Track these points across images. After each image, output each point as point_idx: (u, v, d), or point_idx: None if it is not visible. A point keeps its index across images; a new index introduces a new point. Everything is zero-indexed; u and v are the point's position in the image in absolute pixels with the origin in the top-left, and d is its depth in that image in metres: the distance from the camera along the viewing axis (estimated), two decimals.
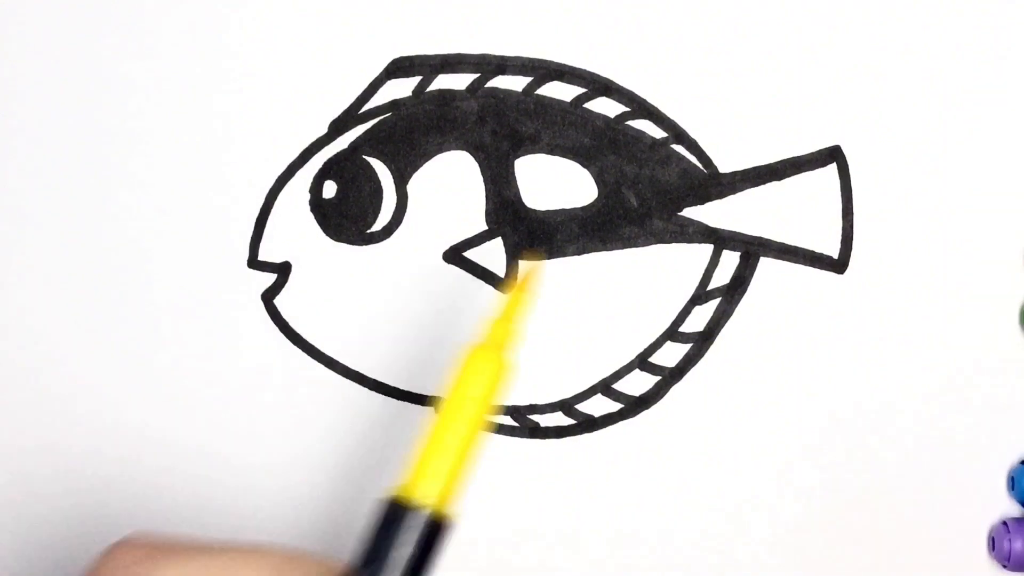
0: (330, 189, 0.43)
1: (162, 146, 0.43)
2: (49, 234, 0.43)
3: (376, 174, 0.43)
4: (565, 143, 0.43)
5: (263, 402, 0.43)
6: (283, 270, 0.43)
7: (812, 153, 0.43)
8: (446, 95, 0.43)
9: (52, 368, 0.43)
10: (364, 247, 0.43)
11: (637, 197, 0.43)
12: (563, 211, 0.43)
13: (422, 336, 0.43)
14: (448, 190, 0.43)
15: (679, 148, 0.43)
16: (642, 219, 0.43)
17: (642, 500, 0.43)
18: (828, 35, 0.43)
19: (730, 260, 0.43)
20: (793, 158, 0.43)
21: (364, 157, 0.43)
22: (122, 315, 0.43)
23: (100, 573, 0.33)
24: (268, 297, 0.43)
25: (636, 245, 0.43)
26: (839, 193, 0.43)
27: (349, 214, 0.43)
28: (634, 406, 0.43)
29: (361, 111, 0.43)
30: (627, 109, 0.43)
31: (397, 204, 0.43)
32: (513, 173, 0.43)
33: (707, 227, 0.43)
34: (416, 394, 0.43)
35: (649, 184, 0.43)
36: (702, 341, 0.43)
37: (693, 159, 0.43)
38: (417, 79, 0.43)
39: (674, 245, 0.43)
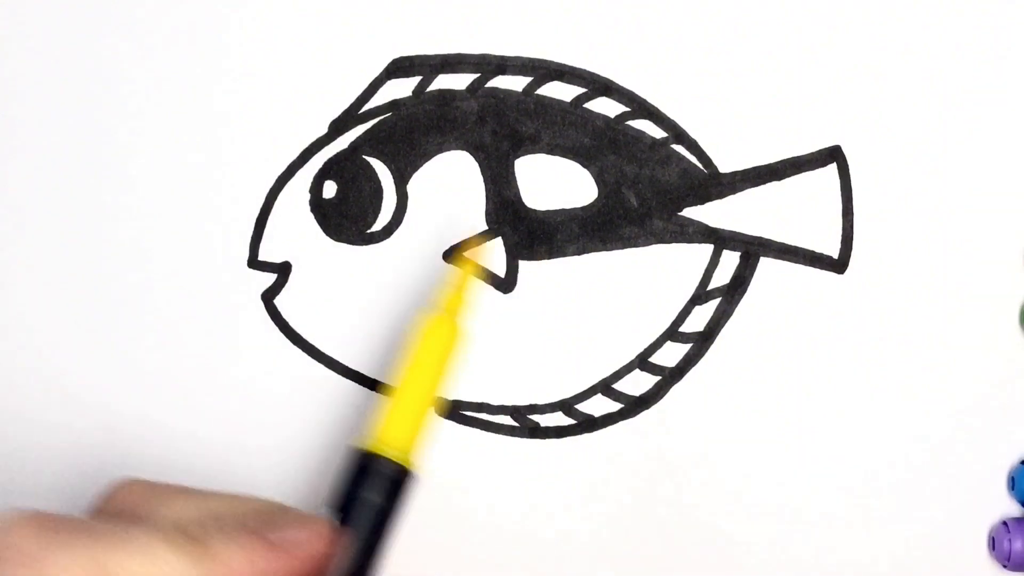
0: (330, 189, 0.43)
1: (162, 146, 0.43)
2: (49, 234, 0.43)
3: (376, 174, 0.43)
4: (565, 143, 0.43)
5: (263, 402, 0.43)
6: (283, 270, 0.43)
7: (812, 153, 0.43)
8: (446, 95, 0.43)
9: (51, 368, 0.43)
10: (364, 247, 0.43)
11: (637, 197, 0.43)
12: (563, 211, 0.43)
13: None
14: (448, 190, 0.43)
15: (679, 148, 0.43)
16: (642, 219, 0.43)
17: (642, 500, 0.43)
18: (828, 35, 0.43)
19: (730, 260, 0.43)
20: (793, 158, 0.43)
21: (364, 157, 0.43)
22: (122, 315, 0.43)
23: (105, 511, 0.36)
24: (268, 297, 0.43)
25: (636, 245, 0.43)
26: (839, 193, 0.43)
27: (349, 214, 0.43)
28: (634, 406, 0.43)
29: (361, 111, 0.43)
30: (627, 109, 0.43)
31: (397, 204, 0.43)
32: (513, 173, 0.43)
33: (707, 227, 0.43)
34: None
35: (649, 184, 0.43)
36: (702, 341, 0.43)
37: (693, 159, 0.43)
38: (417, 79, 0.43)
39: (674, 245, 0.43)
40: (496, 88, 0.43)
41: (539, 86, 0.43)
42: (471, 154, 0.43)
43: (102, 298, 0.43)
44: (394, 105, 0.43)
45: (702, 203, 0.43)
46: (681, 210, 0.43)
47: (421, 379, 0.38)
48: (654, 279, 0.43)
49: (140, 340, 0.43)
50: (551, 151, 0.43)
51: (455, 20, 0.43)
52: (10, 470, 0.43)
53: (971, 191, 0.43)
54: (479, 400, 0.43)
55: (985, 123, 0.43)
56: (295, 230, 0.43)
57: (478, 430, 0.43)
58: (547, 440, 0.43)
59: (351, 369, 0.43)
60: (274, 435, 0.43)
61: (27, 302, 0.43)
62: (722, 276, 0.43)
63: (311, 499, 0.43)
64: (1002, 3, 0.43)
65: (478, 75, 0.43)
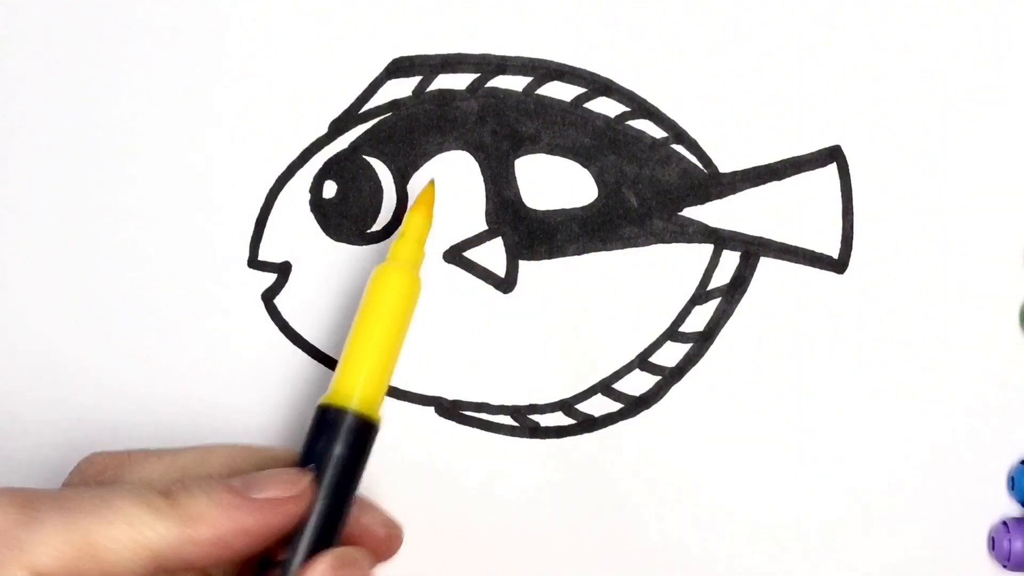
0: (330, 189, 0.43)
1: (162, 146, 0.43)
2: (49, 234, 0.43)
3: (376, 174, 0.43)
4: (565, 143, 0.43)
5: (263, 402, 0.43)
6: (283, 270, 0.43)
7: (812, 153, 0.43)
8: (446, 95, 0.43)
9: (51, 368, 0.43)
10: (364, 247, 0.43)
11: (637, 197, 0.43)
12: (563, 211, 0.43)
13: (422, 336, 0.43)
14: (448, 190, 0.43)
15: (679, 148, 0.43)
16: (642, 219, 0.43)
17: (642, 500, 0.43)
18: (828, 35, 0.43)
19: (730, 260, 0.43)
20: (793, 158, 0.43)
21: (364, 157, 0.43)
22: (122, 315, 0.43)
23: (77, 479, 0.37)
24: (268, 297, 0.43)
25: (636, 245, 0.43)
26: (839, 193, 0.43)
27: (349, 214, 0.43)
28: (634, 406, 0.43)
29: (361, 111, 0.43)
30: (627, 109, 0.43)
31: (397, 204, 0.43)
32: (513, 173, 0.43)
33: (707, 227, 0.43)
34: (416, 393, 0.43)
35: (649, 184, 0.43)
36: (702, 341, 0.43)
37: (693, 159, 0.43)
38: (417, 79, 0.43)
39: (674, 245, 0.43)
40: (496, 88, 0.43)
41: (539, 86, 0.43)
42: (471, 154, 0.43)
43: (102, 298, 0.43)
44: (394, 105, 0.43)
45: (702, 203, 0.43)
46: (681, 210, 0.43)
47: (378, 331, 0.38)
48: (654, 279, 0.43)
49: (140, 340, 0.43)
50: (551, 151, 0.43)
51: (455, 20, 0.43)
52: (10, 470, 0.43)
53: (971, 191, 0.43)
54: (479, 400, 0.43)
55: (985, 123, 0.43)
56: (295, 230, 0.43)
57: (478, 430, 0.43)
58: (547, 440, 0.43)
59: None
60: (274, 434, 0.43)
61: (27, 302, 0.43)
62: (722, 276, 0.43)
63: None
64: (1002, 3, 0.43)
65: (478, 75, 0.43)
